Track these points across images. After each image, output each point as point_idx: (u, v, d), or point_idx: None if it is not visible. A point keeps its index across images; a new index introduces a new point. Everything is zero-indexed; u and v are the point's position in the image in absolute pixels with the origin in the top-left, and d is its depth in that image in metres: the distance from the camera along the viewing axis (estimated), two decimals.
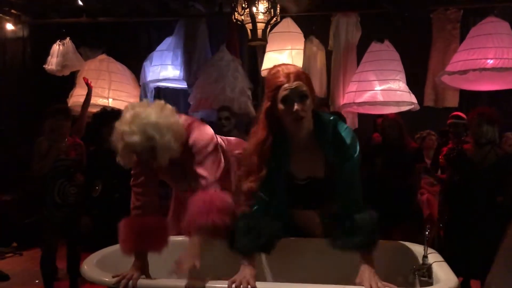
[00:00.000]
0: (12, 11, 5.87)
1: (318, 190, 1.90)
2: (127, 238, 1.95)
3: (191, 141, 1.96)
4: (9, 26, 6.00)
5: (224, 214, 1.79)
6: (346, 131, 1.84)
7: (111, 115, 3.70)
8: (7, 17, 5.91)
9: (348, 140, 1.81)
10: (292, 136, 1.81)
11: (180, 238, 2.19)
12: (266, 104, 1.78)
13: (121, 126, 1.85)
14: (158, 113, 1.84)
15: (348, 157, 1.81)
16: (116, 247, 2.21)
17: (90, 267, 1.94)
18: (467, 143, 3.54)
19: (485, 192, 3.24)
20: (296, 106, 1.71)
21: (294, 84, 1.74)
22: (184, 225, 1.83)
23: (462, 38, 4.88)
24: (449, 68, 4.46)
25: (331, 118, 1.88)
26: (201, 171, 1.93)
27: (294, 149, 1.84)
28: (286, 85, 1.73)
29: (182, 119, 1.99)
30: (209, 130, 2.04)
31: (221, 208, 1.79)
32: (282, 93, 1.73)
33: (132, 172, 2.08)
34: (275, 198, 1.85)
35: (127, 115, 1.85)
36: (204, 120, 4.99)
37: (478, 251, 3.16)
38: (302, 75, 1.80)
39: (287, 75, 1.74)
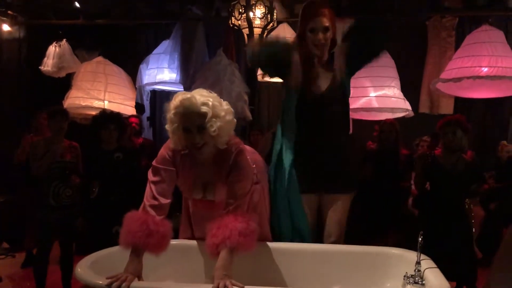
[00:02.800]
0: (9, 12, 5.85)
1: None
2: (130, 231, 1.95)
3: (235, 158, 2.02)
4: (5, 27, 5.98)
5: (251, 237, 1.91)
6: None
7: (110, 117, 3.70)
8: (3, 18, 5.90)
9: None
10: None
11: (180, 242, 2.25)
12: None
13: (179, 95, 1.95)
14: (219, 100, 1.98)
15: None
16: (111, 250, 2.21)
17: (83, 269, 1.94)
18: (438, 149, 3.58)
19: (455, 197, 3.29)
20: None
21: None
22: (212, 241, 1.89)
23: (457, 46, 4.93)
24: (443, 75, 4.49)
25: None
26: (240, 197, 2.02)
27: None
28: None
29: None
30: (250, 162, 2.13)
31: (256, 232, 1.93)
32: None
33: (154, 165, 2.10)
34: None
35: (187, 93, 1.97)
36: None
37: (452, 255, 3.18)
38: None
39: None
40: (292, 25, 5.23)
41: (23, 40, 6.22)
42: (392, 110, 4.62)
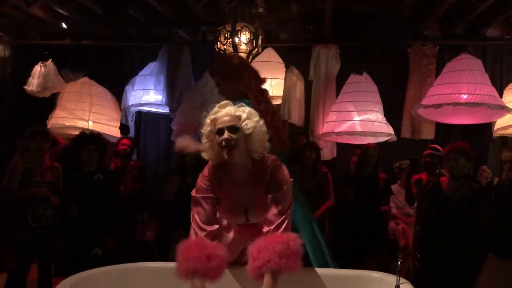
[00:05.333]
0: None
1: None
2: (190, 257, 1.95)
3: (273, 172, 2.02)
4: None
5: (293, 259, 1.88)
6: None
7: (90, 138, 3.69)
8: None
9: None
10: None
11: None
12: None
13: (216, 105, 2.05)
14: (251, 110, 2.03)
15: None
16: (90, 272, 2.19)
17: None
18: (444, 176, 3.63)
19: (458, 224, 3.31)
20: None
21: None
22: (254, 264, 1.89)
23: (437, 73, 5.06)
24: (424, 101, 4.59)
25: None
26: (280, 214, 1.99)
27: None
28: None
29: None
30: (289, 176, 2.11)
31: (295, 251, 1.89)
32: None
33: (193, 195, 2.12)
34: None
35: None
36: None
37: (454, 283, 3.21)
38: None
39: None
40: (277, 51, 5.33)
41: (8, 59, 6.20)
42: (375, 134, 4.69)
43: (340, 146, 5.35)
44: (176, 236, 4.45)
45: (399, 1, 4.88)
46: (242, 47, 4.14)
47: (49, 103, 5.51)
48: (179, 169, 4.60)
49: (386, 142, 4.82)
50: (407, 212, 4.59)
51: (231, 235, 2.26)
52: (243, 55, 4.20)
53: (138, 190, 4.63)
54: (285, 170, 2.06)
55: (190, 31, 5.66)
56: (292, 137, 5.12)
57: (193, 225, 2.08)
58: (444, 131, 5.46)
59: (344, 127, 4.75)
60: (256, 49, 4.25)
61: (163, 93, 5.45)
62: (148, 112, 5.89)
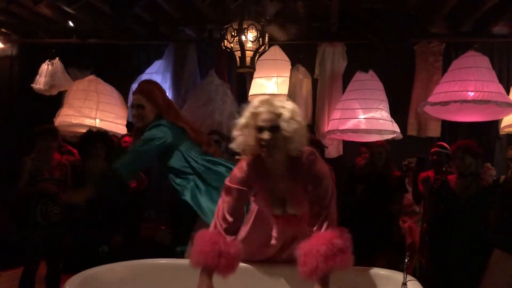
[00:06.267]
0: (2, 29, 5.88)
1: None
2: (202, 251, 1.99)
3: (310, 167, 1.98)
4: None
5: (344, 253, 1.87)
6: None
7: (97, 136, 3.72)
8: None
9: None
10: None
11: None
12: None
13: (257, 98, 1.99)
14: (296, 107, 1.97)
15: None
16: (98, 269, 2.20)
17: None
18: (452, 174, 3.62)
19: (466, 222, 3.30)
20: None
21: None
22: (303, 270, 1.88)
23: (444, 70, 5.04)
24: (431, 99, 4.57)
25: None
26: (322, 210, 1.96)
27: None
28: None
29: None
30: (327, 167, 2.08)
31: (342, 248, 1.87)
32: None
33: (227, 184, 2.11)
34: None
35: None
36: None
37: (461, 281, 3.21)
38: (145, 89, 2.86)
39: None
40: (283, 48, 5.33)
41: (16, 58, 6.24)
42: (380, 132, 4.68)
43: (347, 144, 5.34)
44: (183, 233, 4.49)
45: None
46: (249, 45, 4.14)
47: (56, 101, 5.55)
48: None
49: (392, 140, 4.81)
50: (413, 210, 4.58)
51: (266, 231, 2.25)
52: (250, 53, 4.20)
53: (145, 187, 4.66)
54: (321, 163, 2.03)
55: (196, 29, 5.67)
56: None
57: (216, 215, 2.10)
58: (450, 128, 5.45)
59: (348, 124, 4.74)
60: (262, 47, 4.25)
61: (169, 91, 5.46)
62: None
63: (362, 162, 4.81)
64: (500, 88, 4.47)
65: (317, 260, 1.83)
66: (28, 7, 5.19)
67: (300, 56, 5.34)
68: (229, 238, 2.03)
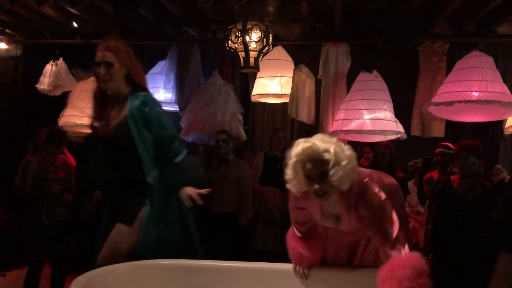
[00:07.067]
0: (7, 30, 5.90)
1: None
2: (289, 247, 2.29)
3: (365, 198, 1.99)
4: (2, 45, 6.02)
5: (425, 276, 1.85)
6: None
7: None
8: (1, 36, 5.95)
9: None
10: None
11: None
12: None
13: (300, 143, 1.97)
14: (340, 146, 1.96)
15: None
16: (104, 269, 2.21)
17: None
18: (455, 174, 3.61)
19: (469, 223, 3.29)
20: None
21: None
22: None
23: (448, 70, 5.03)
24: (435, 99, 4.56)
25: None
26: (387, 235, 1.96)
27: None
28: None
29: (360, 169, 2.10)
30: (381, 192, 2.05)
31: (422, 271, 1.86)
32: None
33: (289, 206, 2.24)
34: None
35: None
36: (197, 144, 5.05)
37: (466, 282, 3.20)
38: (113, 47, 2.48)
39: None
40: (287, 48, 5.33)
41: (20, 58, 6.27)
42: (384, 132, 4.67)
43: (350, 144, 5.29)
44: None
45: None
46: (253, 45, 4.15)
47: (60, 102, 5.57)
48: None
49: (397, 140, 4.80)
50: (418, 210, 4.57)
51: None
52: (254, 53, 4.21)
53: None
54: (373, 190, 2.01)
55: (200, 29, 5.68)
56: (302, 135, 5.11)
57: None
58: (454, 129, 5.44)
59: (352, 125, 4.73)
60: (266, 47, 4.26)
61: (173, 92, 5.47)
62: None
63: (366, 162, 4.81)
64: (505, 88, 4.45)
65: (399, 284, 1.82)
66: (32, 8, 5.21)
67: (304, 56, 5.34)
68: (306, 241, 2.24)
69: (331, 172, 1.88)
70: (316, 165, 1.90)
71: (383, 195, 2.02)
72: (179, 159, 2.50)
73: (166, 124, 2.55)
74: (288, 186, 2.03)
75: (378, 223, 1.97)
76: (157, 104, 2.59)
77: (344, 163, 1.90)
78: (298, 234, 2.27)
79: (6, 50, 6.11)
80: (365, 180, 2.03)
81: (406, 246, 1.95)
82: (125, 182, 2.48)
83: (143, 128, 2.47)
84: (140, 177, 2.44)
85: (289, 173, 1.99)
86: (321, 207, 2.12)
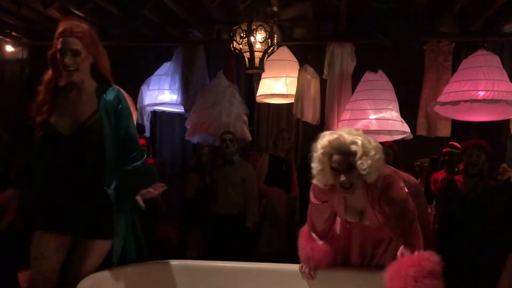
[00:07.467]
0: (13, 33, 5.94)
1: None
2: (299, 250, 2.29)
3: (388, 194, 1.99)
4: (9, 48, 6.06)
5: (436, 277, 1.84)
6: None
7: None
8: (7, 39, 5.98)
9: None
10: None
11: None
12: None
13: (326, 135, 2.00)
14: (367, 138, 1.98)
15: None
16: (111, 270, 2.22)
17: None
18: (459, 174, 3.60)
19: (475, 222, 3.28)
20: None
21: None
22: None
23: (453, 70, 5.00)
24: (441, 98, 4.55)
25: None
26: (405, 233, 1.96)
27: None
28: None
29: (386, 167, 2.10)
30: (405, 189, 2.05)
31: (434, 271, 1.85)
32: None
33: (310, 195, 2.23)
34: None
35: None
36: (202, 145, 5.06)
37: (473, 282, 3.18)
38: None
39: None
40: (292, 49, 5.33)
41: (26, 61, 6.29)
42: (390, 132, 4.66)
43: None
44: (195, 235, 4.51)
45: None
46: (258, 46, 4.16)
47: None
48: (197, 167, 4.65)
49: (402, 140, 4.79)
50: None
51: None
52: (259, 54, 4.21)
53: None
54: (397, 187, 2.01)
55: (205, 30, 5.68)
56: (307, 135, 5.12)
57: (307, 219, 2.29)
58: (460, 128, 5.40)
59: (358, 125, 4.72)
60: (271, 48, 4.26)
61: (178, 93, 5.48)
62: (164, 112, 5.93)
63: None
64: (511, 87, 4.43)
65: (405, 283, 1.81)
66: (38, 11, 5.23)
67: (309, 56, 5.33)
68: (317, 243, 2.22)
69: (359, 162, 1.89)
70: (343, 157, 1.91)
71: (406, 192, 2.02)
72: (139, 163, 2.24)
73: (132, 123, 2.33)
74: (314, 180, 2.03)
75: (398, 218, 1.96)
76: (126, 100, 2.38)
77: (371, 153, 1.91)
78: (313, 235, 2.26)
79: (12, 52, 6.14)
80: (391, 175, 2.04)
81: (420, 244, 1.94)
82: (84, 189, 2.16)
83: (114, 125, 2.23)
84: (97, 184, 2.15)
85: (315, 166, 1.98)
86: (345, 201, 2.12)
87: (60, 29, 2.20)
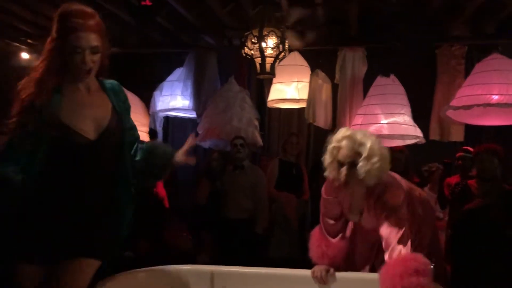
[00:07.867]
0: (28, 40, 6.04)
1: None
2: (311, 249, 2.32)
3: (384, 198, 2.06)
4: (24, 55, 6.16)
5: (424, 276, 1.86)
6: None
7: None
8: (23, 46, 6.08)
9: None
10: None
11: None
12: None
13: (342, 130, 2.10)
14: (379, 144, 2.04)
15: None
16: (121, 275, 2.23)
17: None
18: (473, 178, 3.56)
19: (489, 227, 3.23)
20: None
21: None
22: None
23: (466, 74, 4.96)
24: (453, 102, 4.50)
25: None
26: (394, 237, 2.00)
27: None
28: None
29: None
30: (401, 196, 2.10)
31: (420, 270, 1.86)
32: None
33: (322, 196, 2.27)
34: None
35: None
36: (213, 149, 5.08)
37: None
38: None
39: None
40: (303, 53, 5.33)
41: None
42: (402, 137, 4.63)
43: None
44: (206, 240, 4.52)
45: (427, 2, 4.81)
46: (269, 51, 4.18)
47: None
48: (207, 172, 4.67)
49: (415, 144, 4.76)
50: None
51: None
52: (270, 59, 4.23)
53: (169, 194, 4.71)
54: (394, 193, 2.08)
55: (216, 37, 5.72)
56: (318, 140, 5.10)
57: (320, 218, 2.31)
58: (474, 132, 5.34)
59: (370, 130, 4.70)
60: (282, 53, 4.28)
61: (190, 98, 5.53)
62: (176, 117, 5.97)
63: None
64: None
65: (393, 281, 1.86)
66: (50, 18, 5.31)
67: (320, 61, 5.33)
68: (331, 240, 2.25)
69: (360, 164, 1.96)
70: (349, 153, 1.98)
71: (401, 200, 2.07)
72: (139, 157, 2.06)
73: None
74: (326, 173, 2.11)
75: (389, 224, 2.03)
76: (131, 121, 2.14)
77: (374, 159, 1.97)
78: (326, 234, 2.29)
79: (28, 60, 6.23)
80: (391, 182, 2.10)
81: (407, 247, 1.99)
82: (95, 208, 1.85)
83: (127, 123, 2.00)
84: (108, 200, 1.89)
85: (326, 158, 2.07)
86: (350, 200, 2.17)
87: (69, 19, 1.84)
